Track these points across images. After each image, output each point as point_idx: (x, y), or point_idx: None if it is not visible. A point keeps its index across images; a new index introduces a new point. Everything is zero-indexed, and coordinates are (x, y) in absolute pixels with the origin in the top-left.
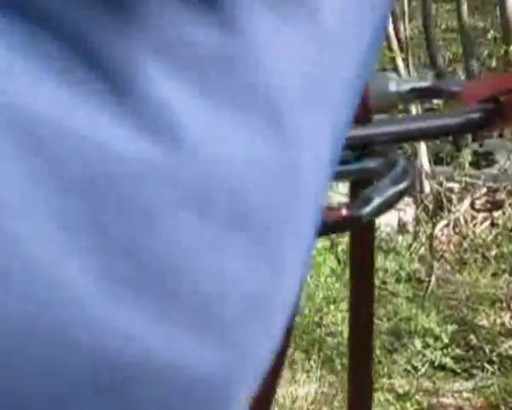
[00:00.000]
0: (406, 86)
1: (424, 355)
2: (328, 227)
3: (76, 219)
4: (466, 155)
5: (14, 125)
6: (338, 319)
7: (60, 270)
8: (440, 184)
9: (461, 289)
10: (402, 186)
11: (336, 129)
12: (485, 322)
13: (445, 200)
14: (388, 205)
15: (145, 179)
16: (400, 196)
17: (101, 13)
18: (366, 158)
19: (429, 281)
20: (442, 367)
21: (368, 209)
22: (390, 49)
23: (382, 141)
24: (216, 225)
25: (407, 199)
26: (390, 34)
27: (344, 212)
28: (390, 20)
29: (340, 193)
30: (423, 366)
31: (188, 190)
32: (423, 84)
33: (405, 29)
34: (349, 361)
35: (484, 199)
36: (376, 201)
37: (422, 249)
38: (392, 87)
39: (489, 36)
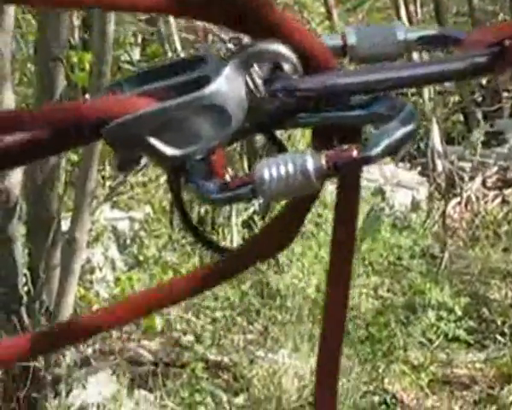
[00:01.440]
0: (414, 35)
1: (438, 328)
2: (337, 169)
3: None
4: (478, 135)
5: None
6: (354, 293)
7: None
8: (452, 163)
9: (473, 264)
10: (410, 128)
11: None
12: (496, 295)
13: (457, 178)
14: (398, 146)
15: None
16: (408, 137)
17: None
18: (372, 103)
19: (442, 257)
20: (455, 339)
21: (377, 150)
22: None
23: (387, 87)
24: None
25: (420, 178)
26: (403, 19)
27: (355, 153)
28: (403, 4)
29: None
30: (437, 338)
31: None
32: (430, 32)
33: (417, 14)
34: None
35: (495, 177)
36: (385, 142)
37: (436, 226)
38: (401, 36)
39: (499, 19)
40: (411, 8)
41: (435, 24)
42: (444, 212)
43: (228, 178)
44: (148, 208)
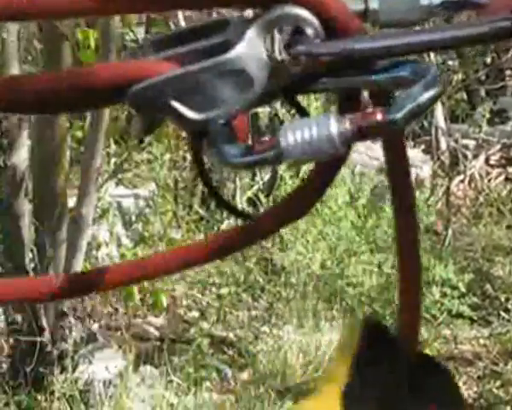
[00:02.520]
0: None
1: (442, 304)
2: (362, 132)
3: None
4: (482, 113)
5: None
6: (359, 270)
7: None
8: (456, 141)
9: (477, 241)
10: (434, 92)
11: None
12: (500, 272)
13: (460, 156)
14: (422, 110)
15: None
16: (432, 101)
17: None
18: (396, 67)
19: (446, 234)
20: (459, 315)
21: (402, 114)
22: None
23: (408, 50)
24: None
25: (424, 156)
26: None
27: (379, 116)
28: None
29: None
30: (441, 314)
31: None
32: None
33: None
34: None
35: (498, 155)
36: (409, 106)
37: (439, 204)
38: (424, 0)
39: None
40: None
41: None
42: (447, 189)
43: (251, 142)
44: (152, 186)
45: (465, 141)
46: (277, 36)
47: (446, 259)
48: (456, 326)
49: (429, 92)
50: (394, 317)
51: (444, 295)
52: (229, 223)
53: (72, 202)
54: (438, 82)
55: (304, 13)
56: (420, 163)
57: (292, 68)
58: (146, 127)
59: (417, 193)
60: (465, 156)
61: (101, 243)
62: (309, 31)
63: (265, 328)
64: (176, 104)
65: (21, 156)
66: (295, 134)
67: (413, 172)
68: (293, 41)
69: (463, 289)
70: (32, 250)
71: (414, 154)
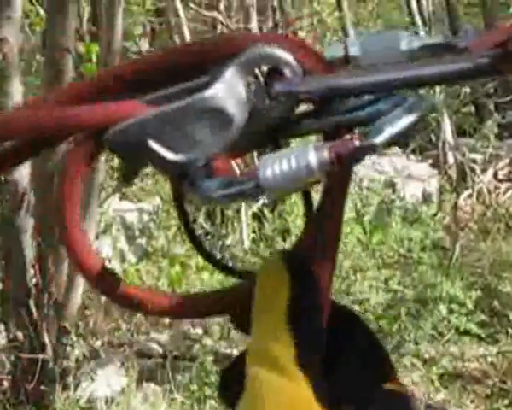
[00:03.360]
0: (418, 43)
1: (449, 321)
2: (341, 159)
3: None
4: (490, 127)
5: None
6: (365, 287)
7: None
8: (464, 155)
9: (485, 257)
10: (414, 116)
11: None
12: (508, 288)
13: (468, 171)
14: (400, 134)
15: None
16: (412, 125)
17: None
18: (377, 102)
19: (454, 249)
20: (467, 333)
21: (381, 138)
22: (413, 23)
23: (391, 87)
24: None
25: (431, 170)
26: (413, 9)
27: (357, 142)
28: None
29: None
30: (448, 331)
31: None
32: (434, 40)
33: (428, 4)
34: None
35: (507, 169)
36: (388, 130)
37: (447, 219)
38: (404, 45)
39: (511, 10)
40: None
41: (443, 22)
42: (455, 204)
43: (229, 175)
44: (157, 200)
45: (473, 155)
46: (255, 75)
47: (454, 275)
48: (463, 344)
49: (409, 116)
50: (401, 333)
51: (451, 311)
52: (234, 237)
53: None
54: (418, 107)
55: (282, 53)
56: (427, 177)
57: (272, 109)
58: (129, 171)
59: (424, 208)
60: (473, 171)
61: (103, 258)
62: (287, 71)
63: None
64: (154, 145)
65: (23, 171)
66: (274, 166)
67: (420, 186)
68: (272, 81)
69: (471, 306)
70: (33, 266)
71: (421, 168)
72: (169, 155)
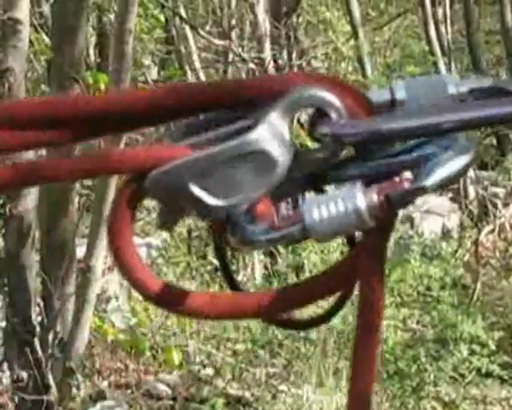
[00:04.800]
0: (465, 87)
1: (471, 362)
2: (390, 202)
3: None
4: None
5: None
6: (383, 325)
7: None
8: (485, 189)
9: (507, 296)
10: (466, 158)
11: None
12: None
13: (490, 205)
14: (452, 177)
15: None
16: (464, 168)
17: None
18: (423, 145)
19: (475, 287)
20: (489, 375)
21: (432, 181)
22: (432, 53)
23: (439, 131)
24: None
25: (451, 205)
26: (432, 38)
27: (407, 185)
28: (432, 23)
29: None
30: (470, 373)
31: None
32: (482, 83)
33: (447, 32)
34: None
35: None
36: (440, 172)
37: (467, 256)
38: (451, 89)
39: None
40: (441, 26)
41: (463, 51)
42: (476, 240)
43: (274, 219)
44: (164, 234)
45: (494, 189)
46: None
47: (475, 314)
48: (485, 386)
49: (461, 158)
50: (420, 375)
51: (472, 352)
52: (245, 273)
53: (80, 251)
54: (470, 148)
55: (327, 95)
56: (447, 212)
57: (317, 152)
58: (169, 218)
59: (444, 244)
60: (494, 205)
61: (110, 296)
62: (332, 113)
63: (284, 387)
64: (195, 189)
65: (29, 205)
66: (320, 209)
67: (440, 221)
68: (317, 123)
69: (493, 347)
70: (38, 304)
71: (441, 202)
72: (211, 201)
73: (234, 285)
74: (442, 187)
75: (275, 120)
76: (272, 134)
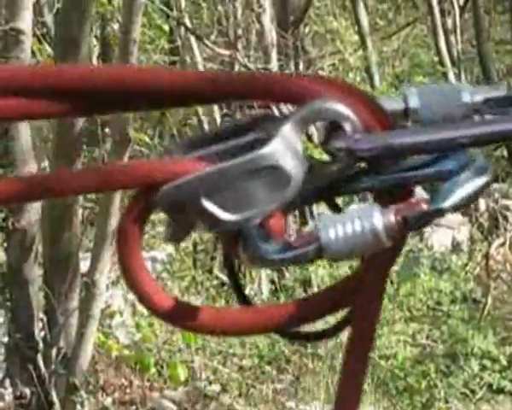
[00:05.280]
0: (480, 96)
1: (482, 378)
2: (407, 223)
3: None
4: None
5: None
6: (392, 341)
7: None
8: (496, 201)
9: None
10: (484, 179)
11: None
12: None
13: (500, 218)
14: (470, 198)
15: None
16: (482, 189)
17: None
18: (439, 161)
19: (486, 301)
20: (500, 390)
21: (450, 202)
22: (441, 63)
23: (455, 145)
24: None
25: (461, 218)
26: (441, 48)
27: (425, 206)
28: (441, 33)
29: None
30: (481, 389)
31: None
32: (497, 93)
33: (457, 43)
34: None
35: None
36: (458, 194)
37: (478, 269)
38: (466, 97)
39: None
40: (450, 36)
41: (473, 61)
42: (487, 253)
43: (288, 237)
44: (170, 248)
45: (505, 201)
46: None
47: (486, 329)
48: (496, 402)
49: (479, 179)
50: (430, 391)
51: (483, 368)
52: (252, 288)
53: (84, 265)
54: (488, 169)
55: (340, 108)
56: (457, 225)
57: (330, 165)
58: (179, 232)
59: (454, 258)
60: (505, 218)
61: (115, 310)
62: (347, 126)
63: (291, 403)
64: (207, 204)
65: (32, 218)
66: (337, 228)
67: (450, 234)
68: (331, 136)
69: (504, 362)
70: (41, 319)
71: (451, 216)
72: (224, 215)
73: (244, 300)
74: (459, 209)
75: (288, 132)
76: (286, 148)
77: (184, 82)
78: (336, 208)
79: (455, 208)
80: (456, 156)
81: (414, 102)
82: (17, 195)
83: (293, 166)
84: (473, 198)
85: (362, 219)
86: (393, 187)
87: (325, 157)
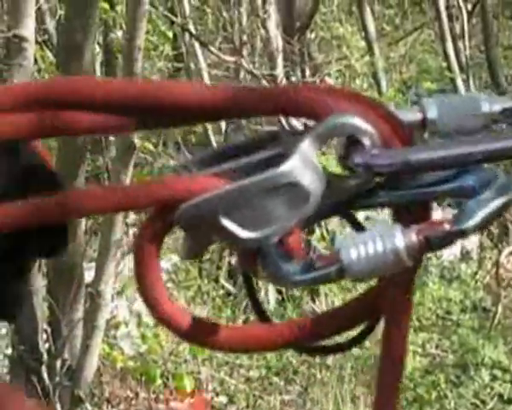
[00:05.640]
0: (499, 106)
1: (492, 388)
2: (430, 244)
3: None
4: None
5: None
6: None
7: None
8: None
9: None
10: (506, 198)
11: None
12: None
13: (510, 225)
14: (493, 218)
15: None
16: (504, 208)
17: None
18: (459, 177)
19: (496, 310)
20: (511, 401)
21: (473, 222)
22: (449, 69)
23: (474, 161)
24: None
25: None
26: (449, 53)
27: (447, 226)
28: (449, 38)
29: None
30: (491, 399)
31: None
32: None
33: (465, 48)
34: None
35: None
36: (481, 214)
37: (488, 278)
38: (485, 107)
39: None
40: (458, 41)
41: (482, 66)
42: (497, 261)
43: (309, 257)
44: (175, 257)
45: None
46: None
47: (496, 338)
48: None
49: (501, 198)
50: (440, 402)
51: (494, 378)
52: (259, 296)
53: (89, 275)
54: (510, 187)
55: (359, 123)
56: None
57: (348, 181)
58: (196, 249)
59: (463, 266)
60: None
61: (120, 321)
62: (365, 140)
63: None
64: (226, 222)
65: None
66: (358, 249)
67: (458, 243)
68: (350, 151)
69: None
70: (45, 330)
71: None
72: (243, 233)
73: (263, 316)
74: (482, 229)
75: (306, 149)
76: (304, 164)
77: (213, 100)
78: (356, 224)
79: (478, 228)
80: (477, 172)
81: (432, 113)
82: (55, 214)
83: (311, 183)
84: (494, 219)
85: (383, 239)
86: (411, 203)
87: (341, 170)
